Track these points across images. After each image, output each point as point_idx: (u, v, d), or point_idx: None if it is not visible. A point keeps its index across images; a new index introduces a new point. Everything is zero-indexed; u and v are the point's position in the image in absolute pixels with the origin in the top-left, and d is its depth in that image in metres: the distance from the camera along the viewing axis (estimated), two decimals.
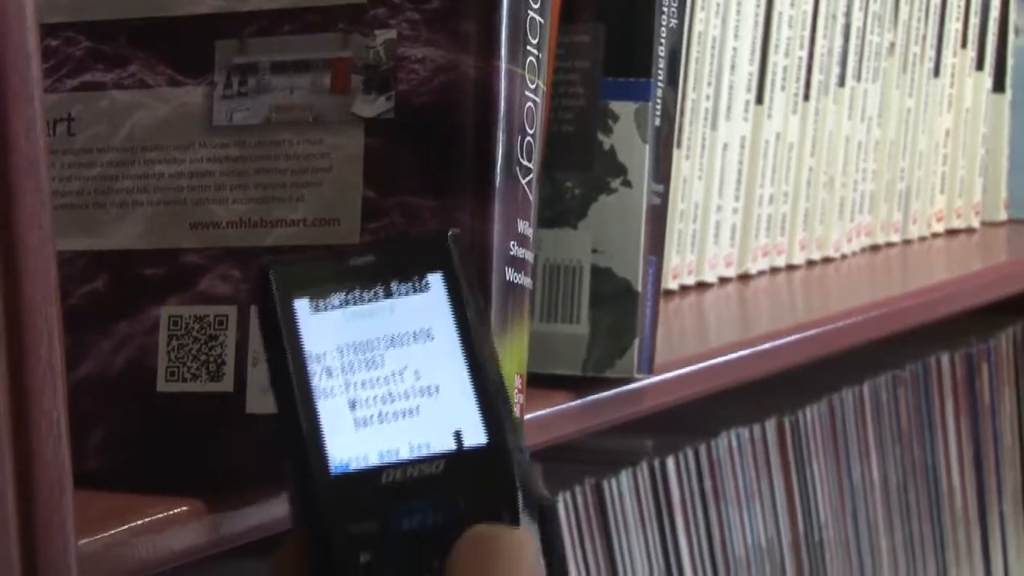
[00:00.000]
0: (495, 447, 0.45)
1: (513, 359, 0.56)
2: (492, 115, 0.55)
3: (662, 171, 0.71)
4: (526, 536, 0.45)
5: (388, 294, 0.47)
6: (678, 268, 0.98)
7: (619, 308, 0.70)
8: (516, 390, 0.57)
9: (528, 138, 0.56)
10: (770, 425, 1.03)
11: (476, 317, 0.47)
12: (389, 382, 0.46)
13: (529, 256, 0.58)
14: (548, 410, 0.69)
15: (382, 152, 0.56)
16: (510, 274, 0.55)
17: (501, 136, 0.55)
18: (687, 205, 0.98)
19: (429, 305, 0.47)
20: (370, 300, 0.47)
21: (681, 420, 0.94)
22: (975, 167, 1.25)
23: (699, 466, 0.97)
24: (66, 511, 0.48)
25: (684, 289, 0.98)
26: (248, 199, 0.57)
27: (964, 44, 1.22)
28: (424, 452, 0.45)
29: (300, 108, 0.57)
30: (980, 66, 1.24)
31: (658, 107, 0.70)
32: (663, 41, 0.70)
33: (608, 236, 0.70)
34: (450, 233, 0.48)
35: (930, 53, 1.19)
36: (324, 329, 0.47)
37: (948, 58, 1.20)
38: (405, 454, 0.45)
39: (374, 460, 0.45)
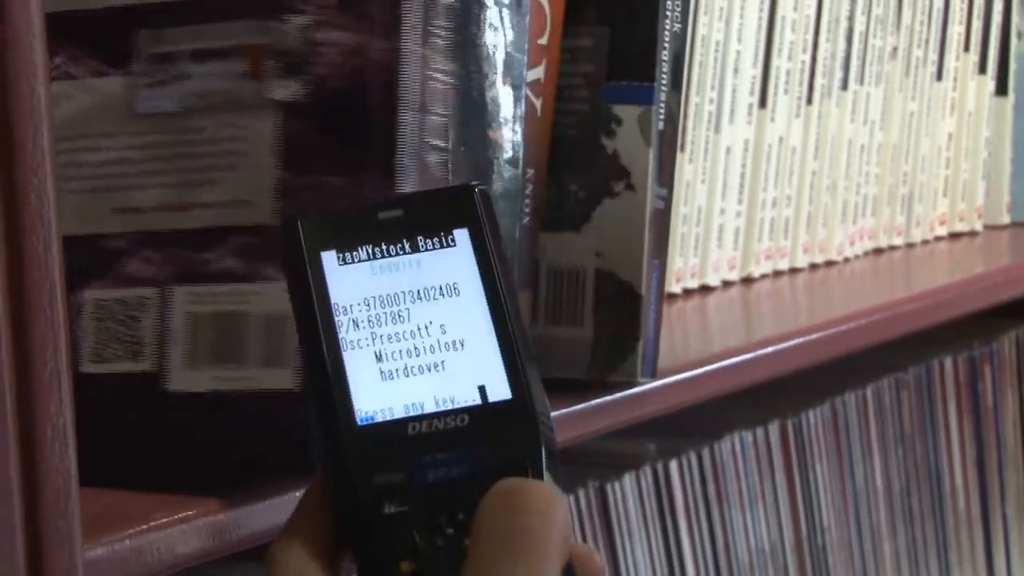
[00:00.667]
0: (519, 402, 0.46)
1: None
2: (393, 95, 0.56)
3: (666, 175, 0.71)
4: (555, 492, 0.45)
5: (415, 248, 0.48)
6: (681, 271, 0.98)
7: (623, 312, 0.70)
8: None
9: (436, 117, 0.57)
10: (773, 428, 1.03)
11: (502, 273, 0.47)
12: (415, 336, 0.47)
13: None
14: (552, 413, 0.69)
15: (296, 134, 0.57)
16: None
17: (405, 115, 0.56)
18: (690, 208, 0.98)
19: (456, 260, 0.48)
20: (397, 254, 0.48)
21: (684, 423, 0.94)
22: (978, 170, 1.25)
23: (702, 469, 0.97)
24: (72, 517, 0.49)
25: (687, 292, 0.98)
26: (169, 184, 0.59)
27: (967, 48, 1.22)
28: (449, 405, 0.46)
29: (218, 94, 0.58)
30: (983, 70, 1.24)
31: (662, 111, 0.70)
32: (667, 45, 0.70)
33: (612, 240, 0.70)
34: (476, 188, 0.48)
35: (933, 57, 1.19)
36: (351, 282, 0.47)
37: (951, 62, 1.21)
38: (431, 407, 0.46)
39: (400, 412, 0.46)
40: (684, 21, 0.71)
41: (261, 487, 0.57)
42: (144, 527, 0.52)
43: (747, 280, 1.03)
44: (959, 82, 1.22)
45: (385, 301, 0.47)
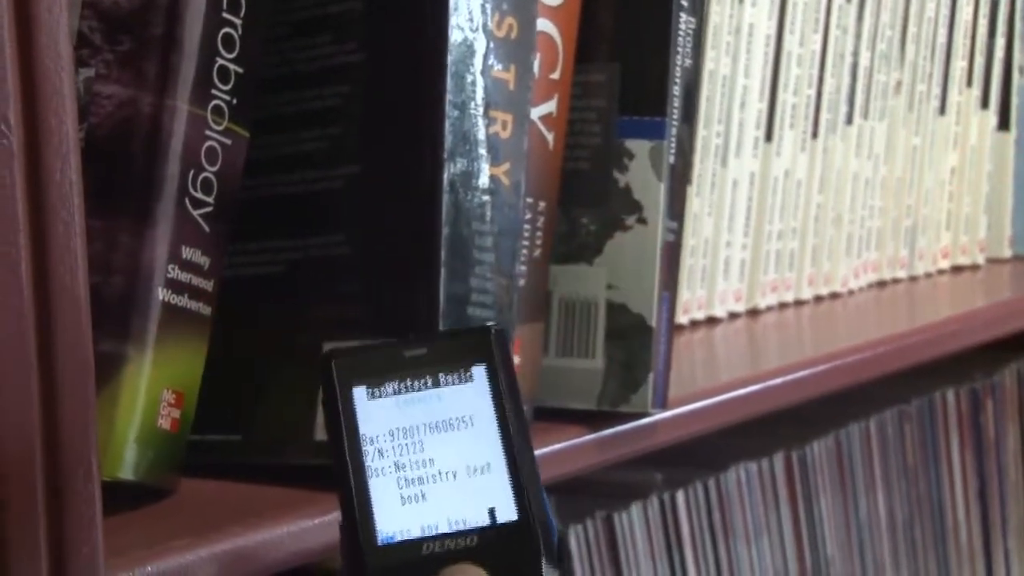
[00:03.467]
0: (524, 522, 0.50)
1: (162, 374, 0.59)
2: (159, 149, 0.58)
3: (676, 208, 0.72)
4: None
5: (436, 383, 0.52)
6: (688, 303, 0.98)
7: (634, 343, 0.71)
8: (166, 403, 0.59)
9: (207, 175, 0.60)
10: (778, 459, 1.04)
11: (513, 406, 0.52)
12: (434, 463, 0.51)
13: (200, 282, 0.61)
14: (563, 444, 0.70)
15: None
16: (165, 294, 0.58)
17: (168, 169, 0.58)
18: (697, 241, 0.99)
19: (472, 394, 0.52)
20: (420, 388, 0.52)
21: (690, 454, 0.95)
22: (980, 204, 1.26)
23: (708, 500, 0.98)
24: (96, 543, 0.49)
25: (694, 324, 0.99)
26: None
27: (969, 83, 1.23)
28: (461, 526, 0.50)
29: None
30: (985, 104, 1.25)
31: (673, 145, 0.71)
32: (678, 80, 0.71)
33: (623, 272, 0.71)
34: (493, 330, 0.53)
35: (936, 92, 1.20)
36: (378, 414, 0.51)
37: (954, 97, 1.22)
38: (444, 528, 0.50)
39: (416, 533, 0.50)
40: (695, 56, 0.72)
41: (281, 515, 0.57)
42: (166, 553, 0.53)
43: (753, 312, 1.04)
44: (962, 117, 1.23)
45: (408, 432, 0.51)
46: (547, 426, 0.70)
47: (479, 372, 0.52)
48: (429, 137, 0.62)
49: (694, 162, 0.97)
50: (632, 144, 0.71)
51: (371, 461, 0.51)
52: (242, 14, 0.61)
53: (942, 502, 1.20)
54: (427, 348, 0.52)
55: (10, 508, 0.47)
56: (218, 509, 0.59)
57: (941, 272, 1.23)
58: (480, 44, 0.64)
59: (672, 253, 0.72)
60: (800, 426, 1.07)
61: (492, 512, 0.50)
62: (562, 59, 0.70)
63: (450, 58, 0.62)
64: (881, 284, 1.17)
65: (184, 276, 0.59)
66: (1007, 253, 1.29)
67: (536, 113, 0.69)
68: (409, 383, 0.52)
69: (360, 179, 0.64)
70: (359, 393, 0.52)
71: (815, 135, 1.07)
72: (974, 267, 1.26)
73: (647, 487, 0.95)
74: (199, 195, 0.60)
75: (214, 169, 0.60)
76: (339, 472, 0.51)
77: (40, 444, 0.48)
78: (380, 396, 0.52)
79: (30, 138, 0.47)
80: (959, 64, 1.22)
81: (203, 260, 0.60)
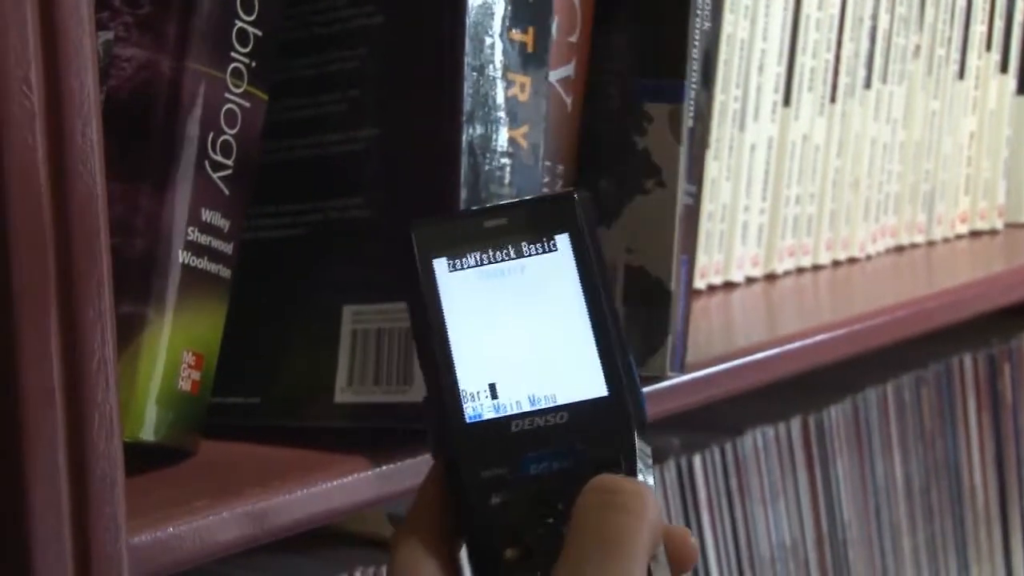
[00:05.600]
0: (615, 399, 0.48)
1: (182, 336, 0.59)
2: (179, 111, 0.58)
3: (695, 172, 0.72)
4: (647, 491, 0.46)
5: (519, 254, 0.50)
6: (706, 268, 0.98)
7: (653, 307, 0.71)
8: (187, 365, 0.59)
9: (226, 137, 0.60)
10: (795, 424, 1.04)
11: (600, 276, 0.49)
12: (519, 337, 0.49)
13: (219, 244, 0.61)
14: None
15: None
16: (185, 257, 0.58)
17: (187, 132, 0.58)
18: (715, 205, 0.99)
19: (557, 264, 0.50)
20: (502, 260, 0.50)
21: (707, 418, 0.95)
22: (999, 169, 1.25)
23: (725, 464, 0.98)
24: (118, 503, 0.50)
25: (711, 288, 0.99)
26: None
27: (988, 47, 1.23)
28: (550, 403, 0.48)
29: None
30: (1004, 69, 1.24)
31: (692, 108, 0.71)
32: (696, 43, 0.71)
33: (642, 236, 0.71)
34: (577, 195, 0.50)
35: (955, 55, 1.19)
36: (460, 287, 0.49)
37: (973, 60, 1.21)
38: (533, 405, 0.48)
39: (505, 410, 0.48)
40: (714, 19, 0.72)
41: (301, 477, 0.58)
42: (187, 514, 0.53)
43: (770, 276, 1.04)
44: (981, 81, 1.22)
45: (492, 305, 0.49)
46: None
47: (563, 241, 0.50)
48: (448, 100, 0.62)
49: (712, 126, 0.97)
50: (651, 107, 0.71)
51: (455, 335, 0.49)
52: None
53: (959, 467, 1.20)
54: (508, 218, 0.50)
55: (33, 468, 0.48)
56: (239, 471, 0.59)
57: (959, 237, 1.23)
58: (499, 6, 0.64)
59: (690, 217, 0.72)
60: (817, 390, 1.07)
61: (581, 387, 0.48)
62: (580, 21, 0.70)
63: (469, 20, 0.62)
64: (899, 249, 1.17)
65: (204, 239, 0.59)
66: None
67: (554, 76, 0.69)
68: (491, 254, 0.50)
69: (380, 142, 0.64)
70: (440, 265, 0.50)
71: (833, 99, 1.07)
72: (992, 232, 1.25)
73: (664, 451, 0.95)
74: (218, 158, 0.60)
75: (233, 132, 0.60)
76: (423, 348, 0.49)
77: (62, 405, 0.48)
78: (461, 268, 0.50)
79: (52, 100, 0.47)
80: (978, 28, 1.21)
81: (223, 223, 0.60)
